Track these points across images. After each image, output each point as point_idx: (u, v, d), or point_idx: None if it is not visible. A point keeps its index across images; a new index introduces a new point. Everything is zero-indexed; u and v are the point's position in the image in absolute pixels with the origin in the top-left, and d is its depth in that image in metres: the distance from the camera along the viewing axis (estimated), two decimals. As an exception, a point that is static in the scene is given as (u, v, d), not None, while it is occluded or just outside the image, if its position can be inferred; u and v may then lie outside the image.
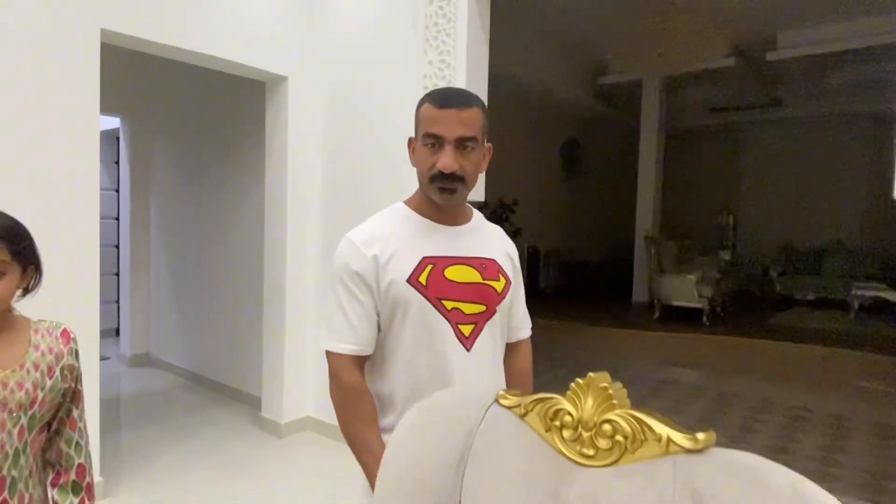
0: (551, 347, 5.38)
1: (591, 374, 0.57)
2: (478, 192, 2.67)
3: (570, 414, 0.56)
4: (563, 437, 0.57)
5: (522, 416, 0.60)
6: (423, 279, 1.04)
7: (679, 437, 0.51)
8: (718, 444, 0.52)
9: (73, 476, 1.08)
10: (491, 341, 1.11)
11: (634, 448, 0.53)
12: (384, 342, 1.08)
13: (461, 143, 1.01)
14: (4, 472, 0.96)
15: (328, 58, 3.10)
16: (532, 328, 1.28)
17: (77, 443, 1.08)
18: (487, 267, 1.10)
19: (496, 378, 1.13)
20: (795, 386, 4.38)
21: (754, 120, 8.95)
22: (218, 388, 3.94)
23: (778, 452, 3.13)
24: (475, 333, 1.07)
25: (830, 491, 1.89)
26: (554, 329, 5.91)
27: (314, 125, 3.17)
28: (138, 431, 3.24)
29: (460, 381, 1.02)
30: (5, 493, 0.96)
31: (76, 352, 1.07)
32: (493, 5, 2.71)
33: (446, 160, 0.99)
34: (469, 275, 1.08)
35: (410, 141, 1.10)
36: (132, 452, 2.94)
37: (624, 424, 0.53)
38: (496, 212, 7.12)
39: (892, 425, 3.56)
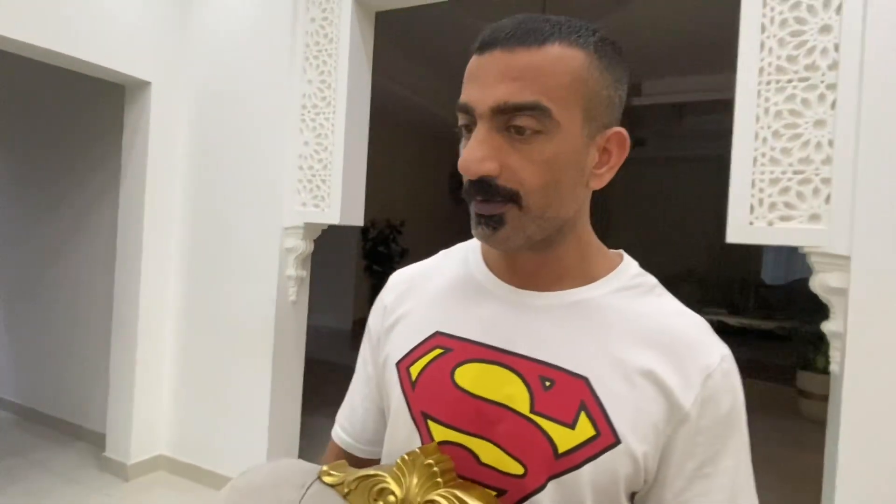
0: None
1: (416, 449, 0.53)
2: (355, 216, 2.61)
3: (393, 494, 0.52)
4: (386, 520, 0.53)
5: (345, 496, 0.55)
6: (414, 370, 0.60)
7: (499, 522, 0.49)
8: None
9: None
10: None
11: (458, 533, 0.50)
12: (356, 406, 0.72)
13: (506, 119, 0.52)
14: None
15: (197, 64, 2.89)
16: None
17: None
18: (555, 387, 0.54)
19: None
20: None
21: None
22: (53, 424, 3.45)
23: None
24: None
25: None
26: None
27: (179, 136, 2.92)
28: (-58, 481, 2.74)
29: None
30: None
31: None
32: (379, 29, 2.69)
33: (469, 152, 0.52)
34: (504, 389, 0.55)
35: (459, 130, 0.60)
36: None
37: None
38: (383, 232, 7.08)
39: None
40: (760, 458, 0.61)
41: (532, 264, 0.59)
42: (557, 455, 0.52)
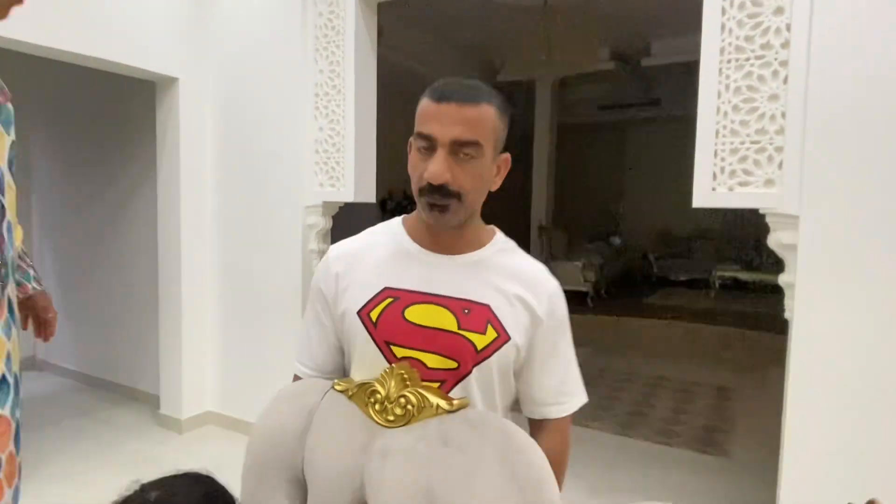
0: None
1: (394, 364, 0.81)
2: (367, 193, 2.88)
3: (379, 392, 0.81)
4: (375, 410, 0.81)
5: (350, 397, 0.84)
6: (374, 314, 0.87)
7: (443, 403, 0.77)
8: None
9: None
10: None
11: (419, 413, 0.78)
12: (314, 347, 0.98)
13: (457, 148, 0.82)
14: None
15: (220, 60, 3.16)
16: None
17: None
18: (471, 313, 0.87)
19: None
20: (658, 358, 5.02)
21: (638, 118, 9.78)
22: (112, 388, 3.89)
23: (633, 415, 3.65)
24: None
25: (671, 445, 2.41)
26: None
27: (206, 126, 3.21)
28: (27, 435, 3.17)
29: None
30: None
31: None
32: (391, 9, 2.88)
33: (435, 167, 0.81)
34: (440, 319, 0.86)
35: (410, 144, 0.89)
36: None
37: (412, 397, 0.78)
38: (401, 204, 7.35)
39: (731, 388, 4.22)
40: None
41: (450, 238, 0.92)
42: (477, 351, 0.86)
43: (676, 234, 9.63)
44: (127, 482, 0.70)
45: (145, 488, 0.67)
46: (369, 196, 2.91)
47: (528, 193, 8.51)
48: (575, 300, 6.90)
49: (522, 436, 0.73)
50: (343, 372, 0.96)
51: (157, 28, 2.93)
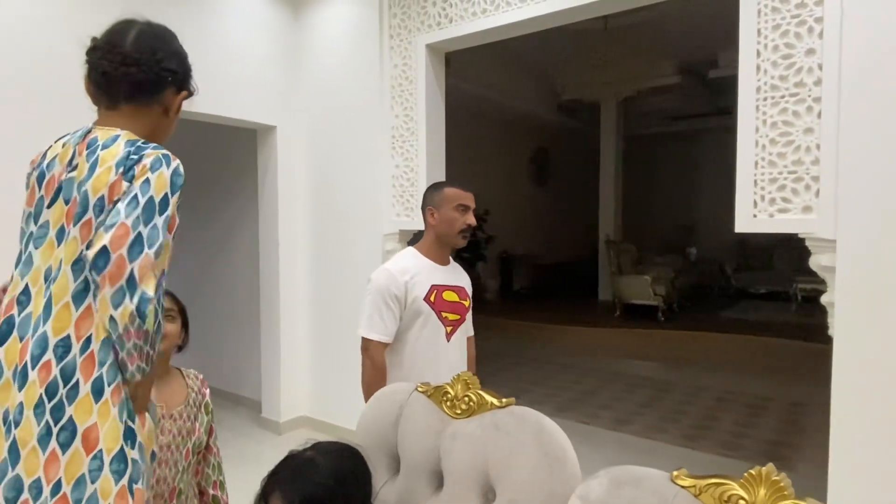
0: (521, 347, 5.96)
1: (455, 375, 1.12)
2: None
3: (449, 393, 1.11)
4: (447, 405, 1.12)
5: (429, 396, 1.15)
6: (432, 299, 1.72)
7: (495, 401, 1.06)
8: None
9: (211, 491, 1.38)
10: (461, 336, 1.83)
11: (478, 408, 1.08)
12: (405, 335, 1.72)
13: (472, 209, 1.79)
14: (175, 483, 1.23)
15: (310, 109, 3.63)
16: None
17: (214, 465, 1.40)
18: (461, 291, 1.82)
19: (461, 358, 1.85)
20: (729, 372, 5.01)
21: (708, 127, 9.63)
22: (220, 394, 4.44)
23: (699, 428, 3.74)
24: (453, 332, 1.78)
25: (736, 458, 2.66)
26: (524, 329, 6.49)
27: (299, 165, 3.70)
28: (154, 433, 3.73)
29: (444, 359, 1.73)
30: (175, 501, 1.24)
31: (209, 394, 1.40)
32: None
33: (472, 219, 1.76)
34: (454, 296, 1.78)
35: (431, 210, 1.77)
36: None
37: (474, 396, 1.08)
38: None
39: (805, 403, 4.18)
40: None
41: (445, 256, 1.84)
42: (466, 310, 1.86)
43: (754, 244, 9.32)
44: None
45: (309, 446, 0.97)
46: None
47: (595, 209, 8.60)
48: (645, 314, 6.93)
49: (552, 425, 1.01)
50: (395, 334, 1.71)
51: (258, 85, 3.44)
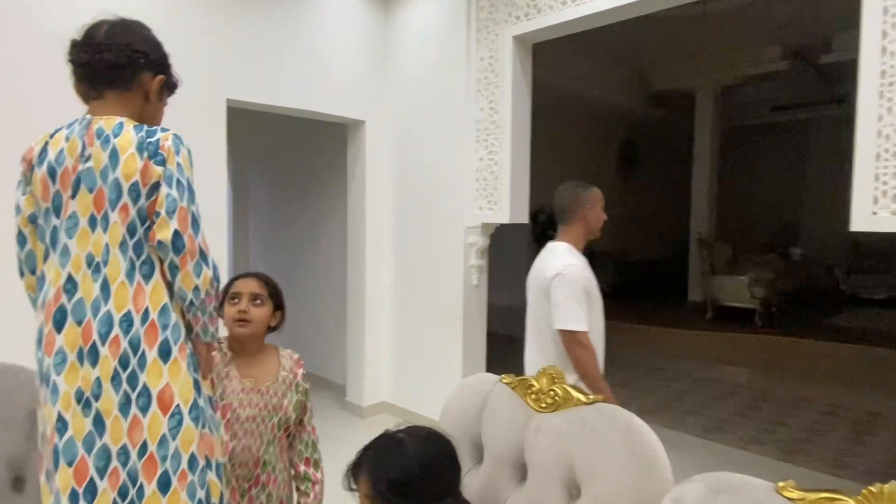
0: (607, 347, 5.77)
1: (541, 369, 1.10)
2: (521, 215, 3.20)
3: (534, 385, 1.11)
4: (531, 398, 1.11)
5: (513, 388, 1.15)
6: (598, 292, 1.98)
7: (581, 397, 1.03)
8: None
9: (302, 467, 1.41)
10: None
11: (563, 403, 1.06)
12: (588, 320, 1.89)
13: None
14: (261, 454, 1.28)
15: (397, 103, 3.72)
16: None
17: (307, 442, 1.43)
18: None
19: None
20: (837, 385, 4.59)
21: (818, 117, 8.83)
22: (308, 377, 4.65)
23: (800, 442, 3.46)
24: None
25: (842, 477, 2.51)
26: (610, 329, 6.27)
27: (386, 158, 3.79)
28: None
29: (602, 343, 1.97)
30: (259, 470, 1.28)
31: (304, 375, 1.42)
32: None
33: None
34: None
35: (588, 207, 1.98)
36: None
37: (559, 391, 1.07)
38: (551, 216, 7.54)
39: (926, 423, 3.76)
40: None
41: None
42: None
43: (870, 245, 8.45)
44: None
45: (403, 428, 0.99)
46: (523, 217, 3.22)
47: (685, 204, 8.16)
48: (740, 317, 6.49)
49: (642, 424, 0.97)
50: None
51: (349, 81, 3.56)
